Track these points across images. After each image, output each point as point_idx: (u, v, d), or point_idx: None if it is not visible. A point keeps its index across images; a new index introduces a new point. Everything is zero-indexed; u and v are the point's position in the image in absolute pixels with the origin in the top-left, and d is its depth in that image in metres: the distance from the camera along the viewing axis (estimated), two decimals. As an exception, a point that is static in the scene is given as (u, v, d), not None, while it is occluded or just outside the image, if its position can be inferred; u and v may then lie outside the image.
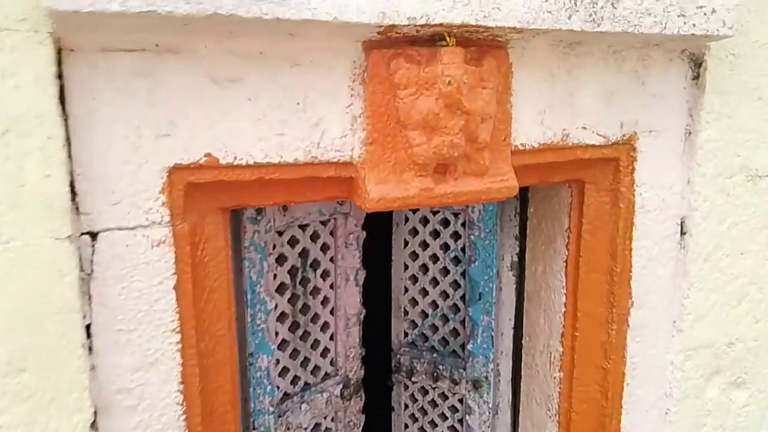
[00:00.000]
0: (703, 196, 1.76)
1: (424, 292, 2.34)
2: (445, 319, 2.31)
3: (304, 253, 1.95)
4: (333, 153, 1.35)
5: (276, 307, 1.88)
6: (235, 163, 1.28)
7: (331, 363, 2.12)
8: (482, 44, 1.38)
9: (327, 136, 1.34)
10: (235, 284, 1.75)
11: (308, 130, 1.32)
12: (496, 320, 2.18)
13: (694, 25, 1.49)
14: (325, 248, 2.01)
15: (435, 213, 2.25)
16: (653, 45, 1.62)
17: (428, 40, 1.32)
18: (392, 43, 1.30)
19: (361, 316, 2.15)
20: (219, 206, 1.36)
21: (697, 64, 1.70)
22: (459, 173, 1.41)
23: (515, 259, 2.13)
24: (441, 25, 1.25)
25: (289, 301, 1.93)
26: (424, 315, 2.35)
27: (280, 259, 1.87)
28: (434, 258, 2.28)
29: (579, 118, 1.60)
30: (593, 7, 1.37)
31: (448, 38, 1.30)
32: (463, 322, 2.27)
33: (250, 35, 1.21)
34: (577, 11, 1.36)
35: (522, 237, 2.10)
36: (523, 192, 2.02)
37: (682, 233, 1.79)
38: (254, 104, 1.26)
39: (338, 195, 1.46)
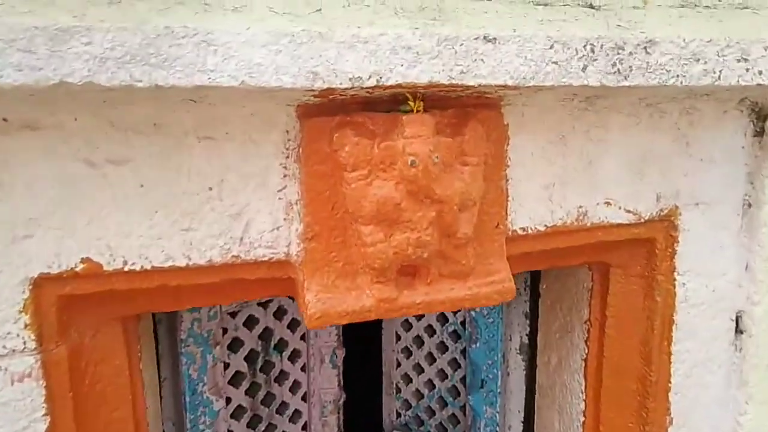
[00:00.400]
0: (767, 285, 1.36)
1: (419, 369, 1.98)
2: (443, 403, 1.95)
3: (266, 334, 1.63)
4: (262, 250, 1.02)
5: (230, 401, 1.56)
6: (125, 269, 0.96)
7: (304, 457, 1.79)
8: (465, 104, 1.03)
9: (253, 229, 1.01)
10: (172, 385, 1.44)
11: (227, 223, 0.99)
12: (501, 412, 1.81)
13: (760, 72, 1.11)
14: (294, 325, 1.69)
15: (431, 279, 1.89)
16: (702, 95, 1.23)
17: (388, 100, 0.98)
18: (337, 108, 0.96)
19: (340, 402, 1.82)
20: (115, 316, 1.04)
21: (761, 116, 1.30)
22: (433, 276, 1.05)
23: (525, 341, 1.76)
24: (399, 85, 0.90)
25: (247, 392, 1.60)
26: (419, 395, 2.00)
27: (235, 345, 1.55)
28: (430, 330, 1.93)
29: (600, 191, 1.22)
30: (617, 54, 1.00)
31: (412, 102, 0.95)
32: (463, 408, 1.91)
33: (136, 102, 0.90)
34: (596, 60, 1.00)
35: (534, 314, 1.72)
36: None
37: (738, 332, 1.39)
38: (148, 192, 0.94)
39: (279, 293, 1.13)
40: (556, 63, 0.97)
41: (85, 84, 0.76)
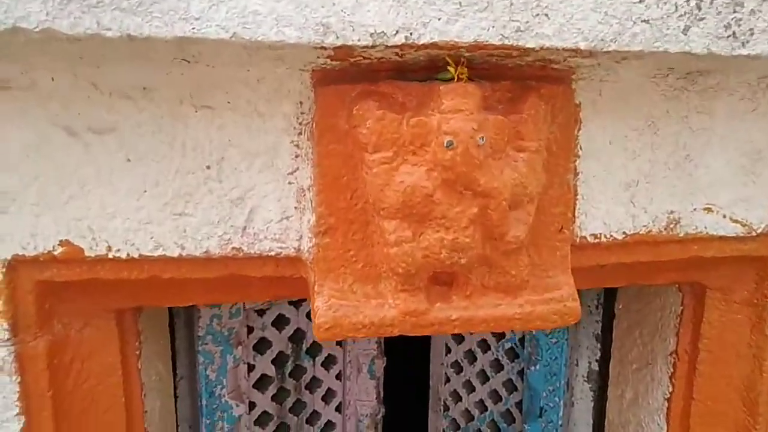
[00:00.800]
0: None
1: (470, 387, 1.77)
2: (496, 429, 1.73)
3: (297, 336, 1.48)
4: (268, 244, 0.86)
5: (254, 407, 1.43)
6: (109, 256, 0.83)
7: (336, 473, 1.64)
8: (524, 75, 0.82)
9: (258, 217, 0.85)
10: (189, 385, 1.33)
11: (227, 209, 0.84)
12: (562, 447, 1.56)
13: None
14: (330, 329, 1.52)
15: (488, 287, 1.67)
16: None
17: (425, 66, 0.79)
18: (361, 75, 0.78)
19: (378, 417, 1.64)
20: (107, 308, 0.92)
21: None
22: (474, 288, 0.85)
23: (594, 368, 1.50)
24: (435, 45, 0.71)
25: (273, 398, 1.46)
26: (469, 416, 1.79)
27: (261, 346, 1.42)
28: (484, 346, 1.71)
29: (700, 193, 0.96)
30: (734, 11, 0.75)
31: (452, 67, 0.75)
32: (518, 437, 1.68)
33: (121, 61, 0.76)
34: (703, 19, 0.75)
35: (607, 338, 1.47)
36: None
37: None
38: (135, 168, 0.81)
39: (290, 295, 0.97)
40: (646, 21, 0.74)
41: (43, 31, 0.63)
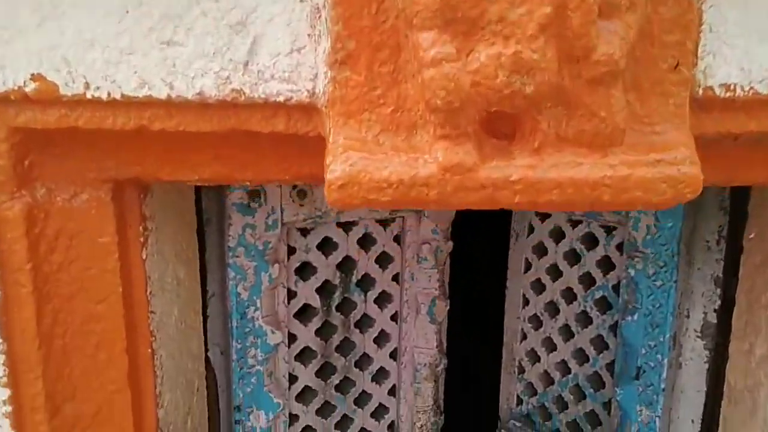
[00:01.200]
0: None
1: (550, 345, 1.50)
2: (581, 394, 1.46)
3: (347, 265, 1.30)
4: (276, 85, 0.67)
5: (295, 340, 1.27)
6: (87, 96, 0.68)
7: (390, 429, 1.45)
8: None
9: (263, 50, 0.66)
10: (221, 305, 1.19)
11: (225, 37, 0.66)
12: (664, 418, 1.27)
13: None
14: (384, 261, 1.33)
15: (575, 223, 1.40)
16: None
17: None
18: None
19: (439, 369, 1.43)
20: (101, 176, 0.78)
21: None
22: (545, 137, 0.62)
23: (711, 319, 1.20)
24: None
25: (318, 333, 1.29)
26: (548, 379, 1.53)
27: (304, 271, 1.25)
28: (569, 295, 1.44)
29: None
30: None
31: None
32: (608, 405, 1.40)
33: None
34: None
35: (730, 281, 1.16)
36: (739, 196, 1.09)
37: None
38: (114, -20, 0.65)
39: (316, 174, 0.78)
40: None
41: None
